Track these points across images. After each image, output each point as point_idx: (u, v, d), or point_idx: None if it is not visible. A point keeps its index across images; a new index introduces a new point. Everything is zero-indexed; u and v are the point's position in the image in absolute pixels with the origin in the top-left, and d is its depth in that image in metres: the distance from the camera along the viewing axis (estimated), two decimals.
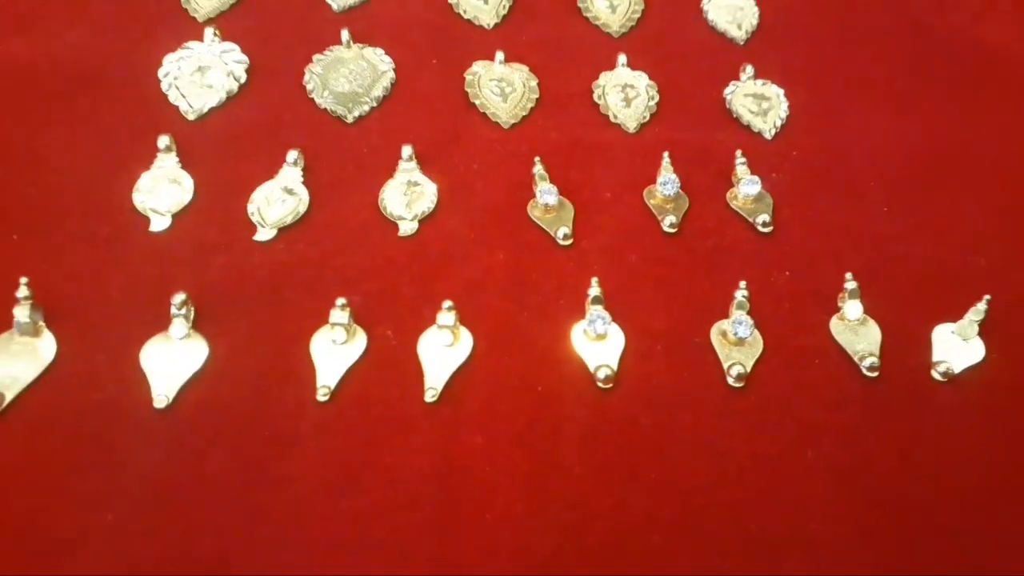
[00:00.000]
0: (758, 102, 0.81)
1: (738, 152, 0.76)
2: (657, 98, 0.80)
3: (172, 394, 0.59)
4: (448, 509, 0.56)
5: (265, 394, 0.60)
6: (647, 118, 0.79)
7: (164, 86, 0.77)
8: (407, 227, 0.68)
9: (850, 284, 0.67)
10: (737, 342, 0.64)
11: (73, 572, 0.53)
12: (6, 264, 0.65)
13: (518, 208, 0.72)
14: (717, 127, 0.80)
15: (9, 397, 0.58)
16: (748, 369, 0.63)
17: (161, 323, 0.62)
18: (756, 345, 0.64)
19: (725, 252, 0.71)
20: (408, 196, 0.70)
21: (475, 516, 0.56)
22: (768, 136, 0.79)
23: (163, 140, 0.70)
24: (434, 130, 0.76)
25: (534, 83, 0.80)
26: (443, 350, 0.61)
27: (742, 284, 0.65)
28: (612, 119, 0.78)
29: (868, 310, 0.67)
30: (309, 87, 0.77)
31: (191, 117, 0.75)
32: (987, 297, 0.66)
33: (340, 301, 0.61)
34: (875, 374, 0.64)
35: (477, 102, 0.78)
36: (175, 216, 0.68)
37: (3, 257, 0.66)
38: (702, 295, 0.67)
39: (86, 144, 0.73)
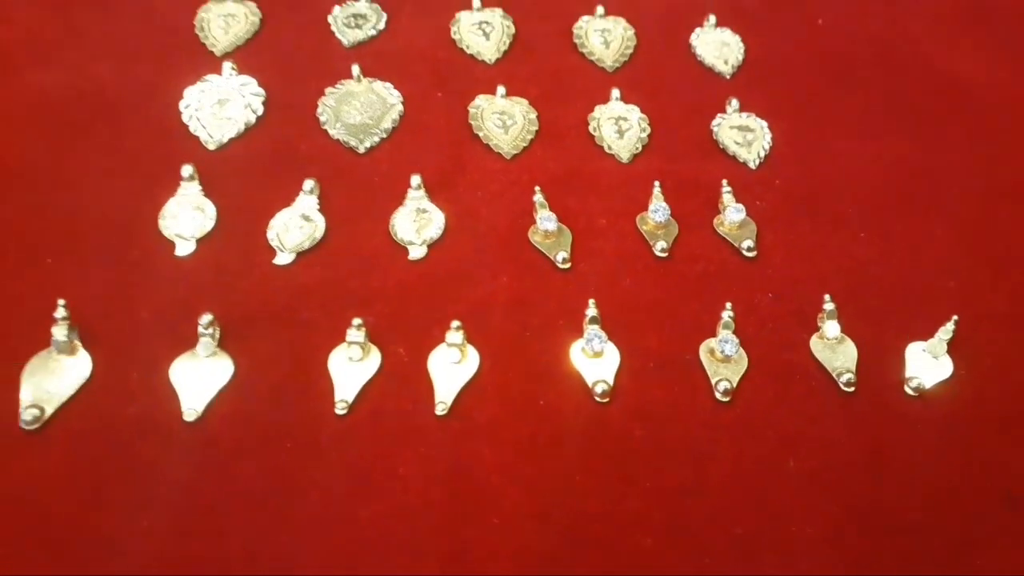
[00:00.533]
0: (743, 134, 0.83)
1: (724, 181, 0.78)
2: (648, 130, 0.83)
3: (201, 408, 0.61)
4: (458, 513, 0.59)
5: (287, 408, 0.62)
6: (639, 149, 0.81)
7: (185, 117, 0.80)
8: (417, 252, 0.72)
9: (828, 305, 0.69)
10: (724, 359, 0.66)
11: (112, 573, 0.55)
12: (41, 286, 0.67)
13: (519, 234, 0.74)
14: (705, 157, 0.82)
15: (49, 411, 0.60)
16: (734, 384, 0.65)
17: (189, 342, 0.64)
18: (741, 362, 0.67)
19: (712, 275, 0.73)
20: (417, 223, 0.73)
21: (483, 519, 0.58)
22: (752, 166, 0.81)
23: (187, 169, 0.73)
24: (440, 160, 0.79)
25: (533, 115, 0.83)
26: (452, 367, 0.64)
27: (728, 305, 0.68)
28: (607, 150, 0.81)
29: (845, 329, 0.69)
30: (322, 119, 0.81)
31: (211, 147, 0.78)
32: (955, 317, 0.68)
33: (356, 321, 0.64)
34: (852, 389, 0.66)
35: (480, 134, 0.81)
36: (199, 241, 0.71)
37: (37, 280, 0.68)
38: (691, 315, 0.70)
39: (113, 172, 0.76)
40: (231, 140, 0.79)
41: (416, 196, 0.75)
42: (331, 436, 0.62)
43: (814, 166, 0.82)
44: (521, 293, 0.71)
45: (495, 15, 0.91)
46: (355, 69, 0.84)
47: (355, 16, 0.90)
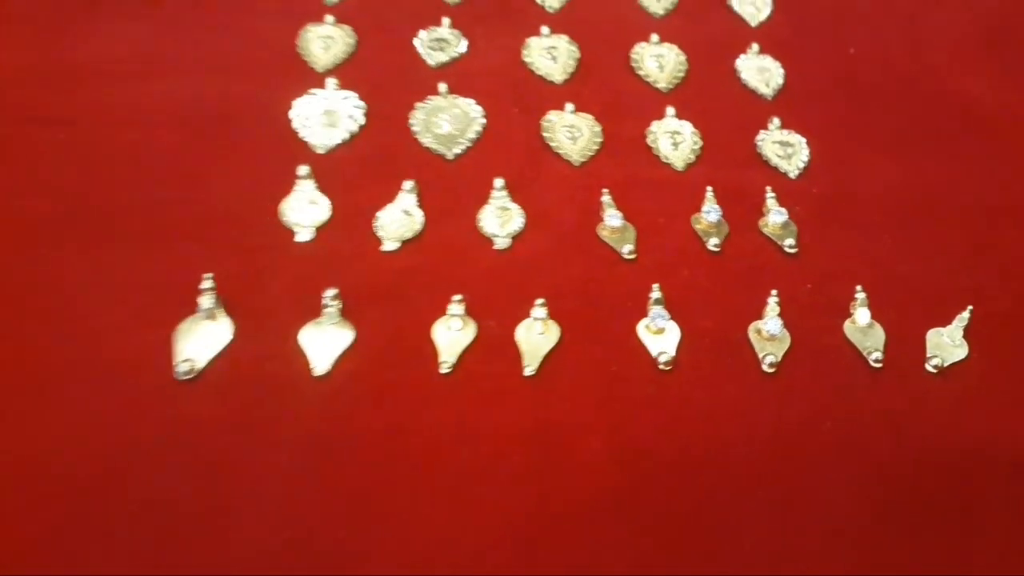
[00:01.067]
0: (784, 148, 0.92)
1: (768, 188, 0.87)
2: (700, 143, 0.91)
3: (328, 366, 0.71)
4: (543, 457, 0.68)
5: (399, 367, 0.72)
6: (693, 159, 0.90)
7: (296, 125, 0.89)
8: (501, 243, 0.81)
9: (860, 295, 0.78)
10: (770, 338, 0.75)
11: (257, 503, 0.64)
12: (181, 265, 0.76)
13: (588, 230, 0.83)
14: (750, 167, 0.90)
15: (199, 365, 0.70)
16: (779, 359, 0.74)
17: (312, 312, 0.73)
18: (785, 341, 0.75)
19: (758, 269, 0.81)
20: (501, 219, 0.83)
21: (564, 463, 0.67)
22: (793, 176, 0.89)
23: (302, 169, 0.83)
24: (518, 166, 0.88)
25: (598, 129, 0.92)
26: (537, 337, 0.74)
27: (774, 292, 0.76)
28: (663, 160, 0.90)
29: (874, 316, 0.77)
30: (415, 129, 0.90)
31: (320, 151, 0.87)
32: (970, 307, 0.77)
33: (457, 297, 0.74)
34: (880, 366, 0.74)
35: (552, 144, 0.90)
36: (317, 229, 0.80)
37: (177, 260, 0.76)
38: (741, 302, 0.78)
39: (235, 171, 0.84)
40: (338, 145, 0.88)
41: (499, 196, 0.84)
42: (435, 392, 0.71)
43: (846, 177, 0.90)
44: (593, 279, 0.79)
45: (561, 40, 1.02)
46: (442, 87, 0.93)
47: (438, 40, 1.01)
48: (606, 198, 0.85)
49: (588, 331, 0.76)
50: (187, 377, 0.70)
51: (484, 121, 0.93)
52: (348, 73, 0.96)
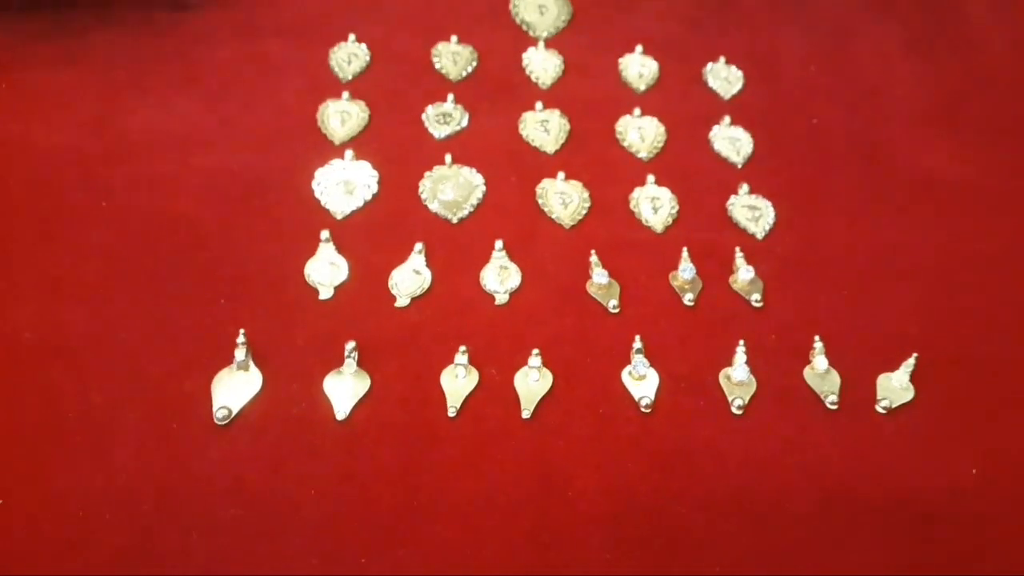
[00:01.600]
0: (752, 211, 0.97)
1: (737, 248, 0.92)
2: (677, 207, 0.97)
3: (348, 411, 0.79)
4: (541, 492, 0.74)
5: (411, 411, 0.78)
6: (670, 222, 0.96)
7: (317, 192, 0.98)
8: (501, 298, 0.90)
9: (818, 344, 0.83)
10: (738, 383, 0.81)
11: (286, 532, 0.70)
12: (216, 320, 0.84)
13: (579, 286, 0.90)
14: (722, 229, 0.96)
15: (234, 411, 0.78)
16: (746, 402, 0.80)
17: (334, 362, 0.81)
18: (751, 385, 0.81)
19: (728, 320, 0.87)
20: (500, 276, 0.91)
21: (558, 494, 0.74)
22: (760, 237, 0.95)
23: (324, 233, 0.91)
24: (515, 229, 0.95)
25: (587, 195, 1.00)
26: (533, 383, 0.82)
27: (741, 342, 0.82)
28: (644, 223, 0.96)
29: (831, 362, 0.83)
30: (423, 196, 0.98)
31: (339, 217, 0.96)
32: (915, 354, 0.82)
33: (462, 348, 0.83)
34: (835, 407, 0.80)
35: (546, 209, 0.98)
36: (336, 288, 0.89)
37: (214, 316, 0.84)
38: (713, 349, 0.84)
39: (265, 234, 0.90)
40: (354, 211, 0.97)
41: (499, 256, 0.93)
42: (444, 433, 0.77)
43: (808, 238, 0.96)
44: (582, 330, 0.86)
45: (553, 114, 1.10)
46: (447, 158, 1.02)
47: (443, 114, 1.10)
48: (594, 258, 0.94)
49: (578, 378, 0.83)
50: (224, 423, 0.78)
51: (484, 188, 1.01)
52: (363, 145, 1.04)
